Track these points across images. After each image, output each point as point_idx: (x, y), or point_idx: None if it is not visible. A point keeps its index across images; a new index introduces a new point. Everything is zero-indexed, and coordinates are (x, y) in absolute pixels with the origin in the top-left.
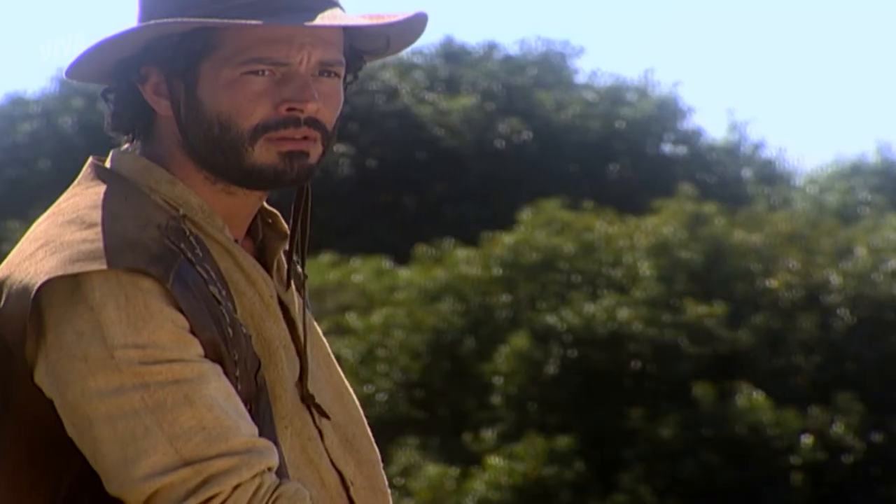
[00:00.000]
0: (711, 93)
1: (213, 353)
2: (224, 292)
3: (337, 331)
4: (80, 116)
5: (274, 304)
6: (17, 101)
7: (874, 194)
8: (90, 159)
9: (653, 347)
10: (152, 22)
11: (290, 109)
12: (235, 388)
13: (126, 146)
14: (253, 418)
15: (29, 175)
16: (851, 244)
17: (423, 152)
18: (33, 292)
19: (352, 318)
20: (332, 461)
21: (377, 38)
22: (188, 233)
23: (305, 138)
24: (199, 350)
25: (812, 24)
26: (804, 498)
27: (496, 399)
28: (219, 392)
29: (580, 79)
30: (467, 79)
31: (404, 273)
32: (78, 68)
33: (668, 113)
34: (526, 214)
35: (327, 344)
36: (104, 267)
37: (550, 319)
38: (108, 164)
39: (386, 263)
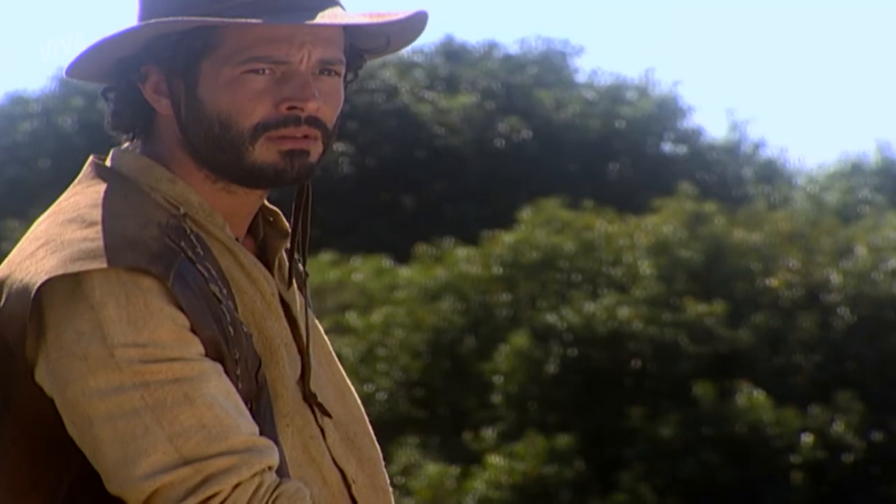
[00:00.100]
0: (712, 92)
1: (214, 352)
2: (225, 291)
3: (337, 330)
4: (80, 116)
5: (275, 302)
6: (18, 101)
7: (874, 193)
8: (91, 158)
9: (653, 346)
10: (152, 21)
11: (290, 108)
12: (236, 386)
13: (126, 145)
14: (254, 417)
15: (29, 174)
16: (851, 243)
17: (422, 151)
18: (34, 291)
19: (352, 317)
20: (333, 459)
21: (377, 36)
22: (189, 231)
23: (306, 137)
24: (200, 349)
25: (812, 24)
26: (804, 497)
27: (496, 398)
28: (219, 391)
29: (580, 78)
30: (467, 78)
31: (404, 272)
32: (78, 67)
33: (668, 112)
34: (526, 213)
35: (329, 342)
36: (104, 266)
37: (550, 318)
38: (108, 163)
39: (386, 262)
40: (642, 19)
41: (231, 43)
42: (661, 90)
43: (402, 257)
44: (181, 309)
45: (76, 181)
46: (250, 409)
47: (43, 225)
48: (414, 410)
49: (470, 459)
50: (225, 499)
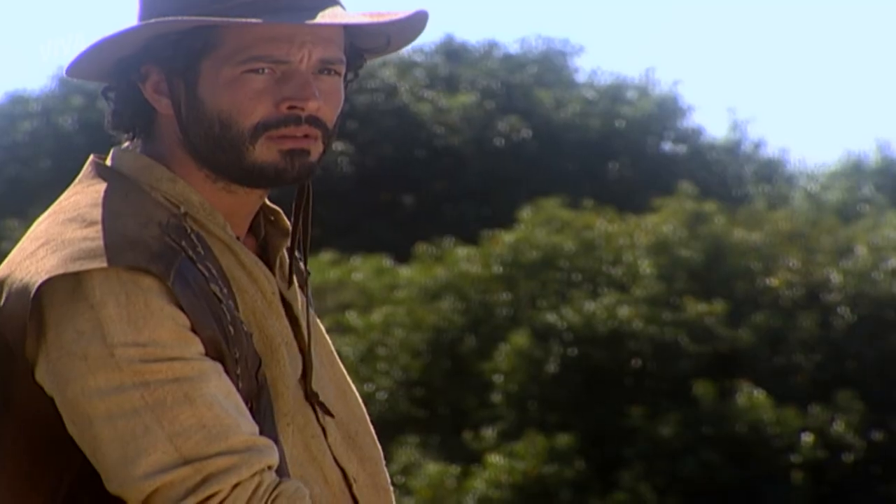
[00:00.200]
0: (712, 92)
1: (214, 351)
2: (225, 290)
3: (337, 329)
4: (80, 115)
5: (276, 301)
6: (18, 100)
7: (874, 193)
8: (91, 157)
9: (653, 346)
10: (152, 20)
11: (290, 108)
12: (236, 386)
13: (127, 145)
14: (254, 416)
15: (29, 174)
16: (852, 243)
17: (422, 150)
18: (34, 291)
19: (352, 317)
20: (335, 458)
21: (378, 36)
22: (189, 230)
23: (306, 136)
24: (200, 348)
25: (812, 24)
26: (804, 496)
27: (496, 397)
28: (219, 390)
29: (580, 77)
30: (467, 77)
31: (404, 271)
32: (78, 67)
33: (668, 112)
34: (526, 213)
35: (330, 341)
36: (105, 265)
37: (551, 318)
38: (108, 163)
39: (386, 262)
40: (642, 19)
41: (231, 42)
42: (661, 90)
43: (403, 257)
44: (181, 308)
45: (76, 180)
46: (250, 409)
47: (43, 224)
48: (414, 410)
49: (470, 459)
50: (224, 498)
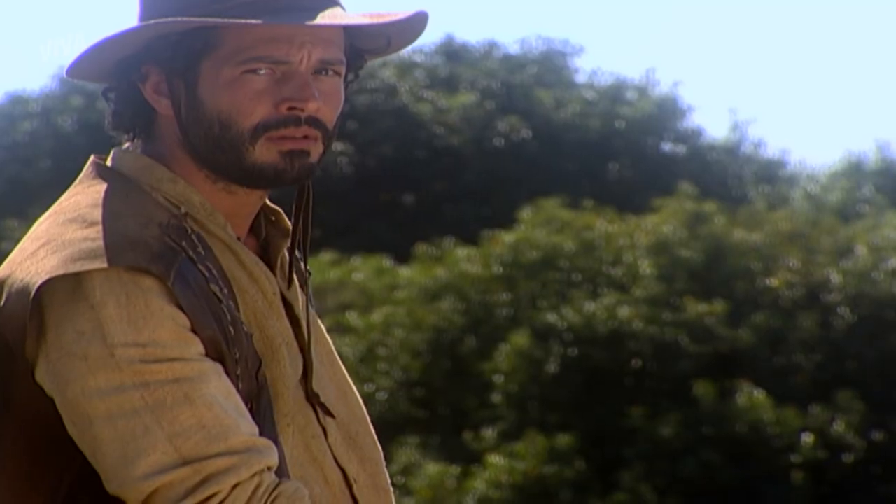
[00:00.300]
0: (712, 92)
1: (214, 352)
2: (226, 290)
3: (337, 329)
4: (80, 115)
5: (277, 301)
6: (18, 100)
7: (874, 193)
8: (91, 158)
9: (653, 346)
10: (152, 21)
11: (290, 108)
12: (236, 386)
13: (127, 145)
14: (254, 417)
15: (29, 174)
16: (852, 243)
17: (422, 151)
18: (34, 291)
19: (352, 317)
20: (335, 459)
21: (378, 36)
22: (190, 231)
23: (306, 137)
24: (200, 348)
25: (812, 25)
26: (804, 496)
27: (496, 398)
28: (219, 391)
29: (580, 78)
30: (467, 77)
31: (404, 272)
32: (79, 67)
33: (667, 112)
34: (526, 213)
35: (331, 341)
36: (105, 265)
37: (551, 318)
38: (109, 163)
39: (386, 262)
40: (643, 19)
41: (231, 43)
42: (661, 90)
43: (403, 257)
44: (181, 308)
45: (77, 181)
46: (251, 409)
47: (44, 225)
48: (414, 410)
49: (470, 459)
50: (224, 499)
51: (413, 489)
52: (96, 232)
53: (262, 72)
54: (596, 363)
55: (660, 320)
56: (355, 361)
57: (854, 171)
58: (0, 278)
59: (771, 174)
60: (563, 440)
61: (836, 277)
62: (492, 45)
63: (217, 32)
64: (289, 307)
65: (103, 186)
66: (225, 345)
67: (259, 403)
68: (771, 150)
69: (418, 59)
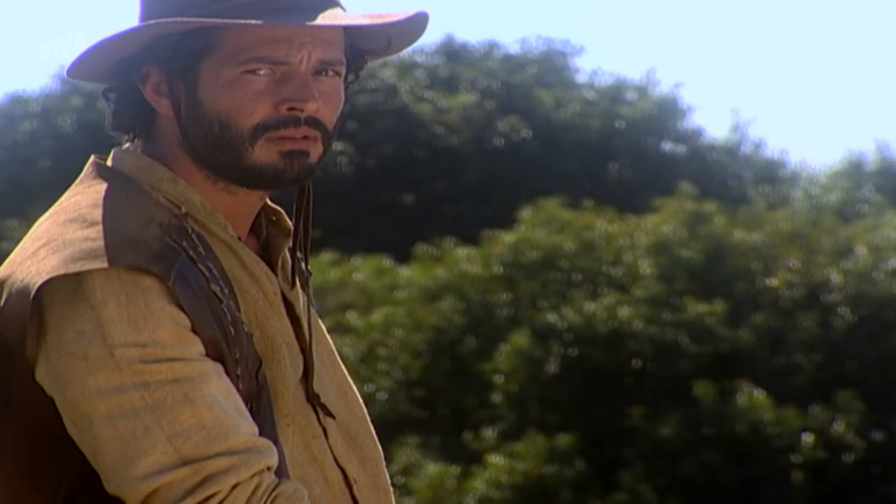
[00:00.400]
0: (712, 93)
1: (215, 352)
2: (226, 290)
3: (338, 329)
4: (80, 115)
5: (278, 301)
6: (18, 100)
7: (874, 193)
8: (92, 158)
9: (653, 346)
10: (152, 21)
11: (290, 109)
12: (236, 386)
13: (127, 145)
14: (254, 417)
15: (29, 174)
16: (852, 243)
17: (422, 151)
18: (34, 291)
19: (352, 317)
20: (335, 459)
21: (378, 37)
22: (190, 231)
23: (305, 138)
24: (200, 348)
25: (812, 25)
26: (804, 496)
27: (497, 398)
28: (219, 391)
29: (581, 78)
30: (467, 77)
31: (405, 272)
32: (79, 67)
33: (668, 112)
34: (526, 213)
35: (331, 341)
36: (105, 265)
37: (551, 318)
38: (109, 163)
39: (386, 262)
40: (643, 20)
41: (231, 43)
42: (661, 90)
43: (403, 257)
44: (182, 308)
45: (77, 181)
46: (251, 409)
47: (44, 225)
48: (414, 410)
49: (470, 459)
50: (223, 499)
51: (413, 489)
52: (97, 232)
53: (262, 72)
54: (596, 363)
55: (660, 320)
56: (355, 361)
57: (854, 171)
58: (0, 278)
59: (771, 174)
60: (564, 440)
61: (836, 277)
62: (492, 45)
63: (217, 33)
64: (290, 307)
65: (103, 186)
66: (225, 345)
67: (259, 403)
68: (771, 151)
69: (418, 59)
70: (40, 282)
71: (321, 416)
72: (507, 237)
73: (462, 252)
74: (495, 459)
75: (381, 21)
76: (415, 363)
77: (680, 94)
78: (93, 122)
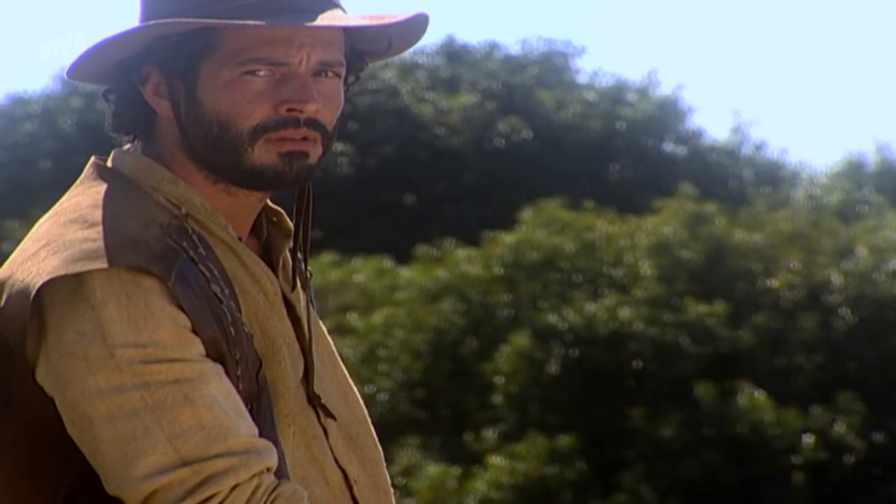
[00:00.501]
0: (713, 93)
1: (215, 352)
2: (227, 291)
3: (338, 330)
4: (81, 116)
5: (278, 301)
6: (18, 101)
7: (874, 194)
8: (92, 159)
9: (654, 347)
10: (152, 22)
11: (289, 110)
12: (237, 387)
13: (127, 146)
14: (254, 417)
15: (29, 175)
16: (852, 244)
17: (423, 151)
18: (34, 292)
19: (353, 318)
20: (336, 460)
21: (379, 38)
22: (191, 231)
23: (305, 139)
24: (201, 349)
25: (812, 26)
26: (805, 497)
27: (497, 399)
28: (219, 392)
29: (581, 79)
30: (468, 78)
31: (405, 273)
32: (79, 68)
33: (668, 113)
34: (526, 214)
35: (332, 342)
36: (106, 266)
37: (551, 319)
38: (109, 164)
39: (387, 263)
40: (644, 21)
41: (230, 44)
42: (662, 92)
43: (403, 258)
44: (182, 309)
45: (78, 182)
46: (251, 410)
47: (45, 226)
48: (415, 411)
49: (471, 460)
50: (223, 500)
51: (414, 490)
52: (97, 232)
53: (262, 73)
54: (597, 364)
55: (660, 321)
56: (356, 362)
57: (854, 172)
58: (1, 279)
59: (771, 175)
60: (564, 441)
61: (836, 278)
62: (493, 46)
63: (217, 34)
64: (290, 308)
65: (104, 187)
66: (225, 345)
67: (259, 404)
68: (771, 152)
69: (419, 60)
70: (41, 282)
71: (322, 416)
72: (508, 238)
73: (463, 253)
74: (496, 460)
75: (380, 22)
76: (415, 364)
77: (681, 95)
78: (93, 123)
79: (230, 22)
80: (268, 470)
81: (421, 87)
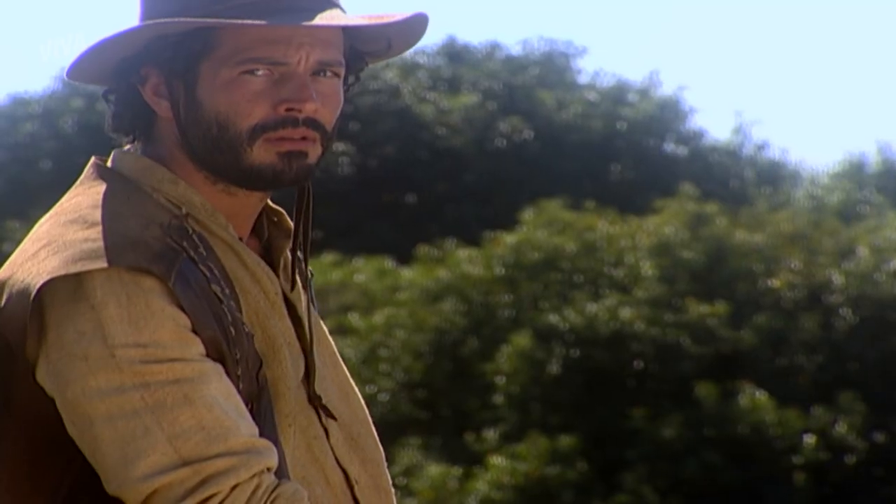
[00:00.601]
0: (714, 94)
1: (215, 352)
2: (227, 290)
3: (339, 331)
4: (81, 117)
5: (279, 301)
6: (19, 102)
7: (875, 194)
8: (92, 159)
9: (655, 347)
10: (151, 22)
11: (288, 109)
12: (237, 386)
13: (127, 147)
14: (254, 417)
15: (30, 175)
16: (853, 244)
17: (424, 152)
18: (34, 292)
19: (354, 318)
20: (337, 460)
21: (378, 39)
22: (191, 231)
23: (304, 138)
24: (201, 349)
25: (812, 27)
26: (806, 498)
27: (498, 399)
28: (219, 392)
29: (583, 79)
30: (469, 78)
31: (406, 273)
32: (79, 69)
33: (670, 114)
34: (527, 214)
35: (333, 342)
36: (106, 265)
37: (552, 319)
38: (109, 165)
39: (388, 263)
40: (646, 22)
41: (229, 44)
42: (663, 92)
43: (404, 258)
44: (182, 309)
45: (78, 182)
46: (251, 410)
47: (45, 226)
48: (416, 411)
49: (472, 460)
50: (223, 500)
51: (415, 490)
52: (97, 232)
53: (260, 73)
54: (598, 364)
55: (661, 321)
56: (357, 363)
57: (855, 172)
58: (1, 279)
59: (772, 175)
60: (565, 441)
61: (837, 278)
62: (494, 47)
63: (216, 33)
64: (291, 308)
65: (104, 187)
66: (226, 345)
67: (259, 404)
68: (772, 152)
69: (421, 60)
70: (41, 282)
71: (323, 417)
72: (509, 238)
73: (464, 253)
74: (497, 461)
75: (379, 22)
76: (416, 364)
77: (682, 96)
78: (94, 124)
79: (229, 21)
80: (268, 470)
81: (422, 88)
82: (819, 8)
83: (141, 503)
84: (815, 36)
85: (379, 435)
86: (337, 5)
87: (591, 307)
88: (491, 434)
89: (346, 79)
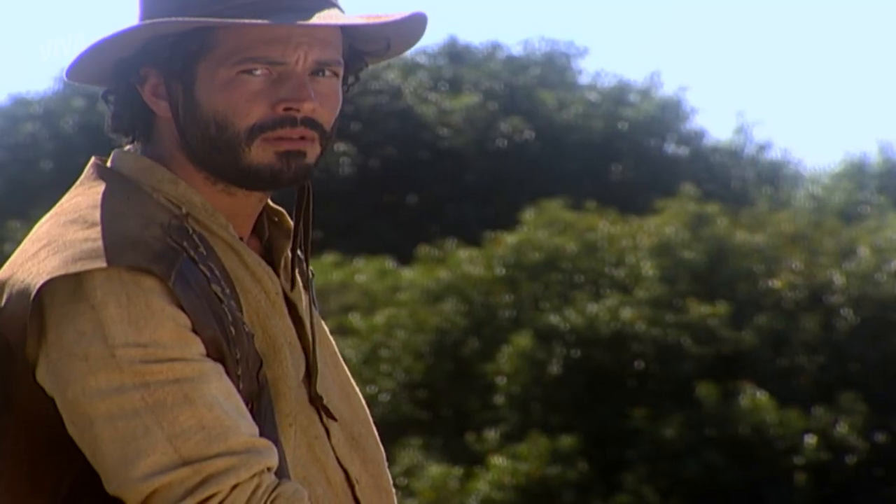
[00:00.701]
0: (714, 94)
1: (215, 352)
2: (228, 290)
3: (340, 331)
4: (81, 117)
5: (280, 301)
6: (20, 102)
7: (877, 195)
8: (92, 159)
9: (656, 347)
10: (149, 21)
11: (286, 109)
12: (237, 386)
13: (127, 147)
14: (254, 417)
15: (30, 175)
16: (854, 244)
17: (425, 152)
18: (34, 292)
19: (355, 319)
20: (338, 460)
21: (377, 39)
22: (191, 231)
23: (302, 138)
24: (201, 349)
25: (813, 27)
26: (807, 498)
27: (499, 399)
28: (219, 391)
29: (584, 79)
30: (470, 79)
31: (407, 273)
32: (78, 69)
33: (671, 114)
34: (528, 214)
35: (334, 343)
36: (106, 265)
37: (553, 319)
38: (109, 165)
39: (389, 263)
40: (647, 22)
41: (228, 44)
42: (664, 93)
43: (405, 258)
44: (182, 309)
45: (78, 182)
46: (251, 409)
47: (45, 226)
48: (417, 412)
49: (473, 460)
50: (223, 499)
51: (416, 490)
52: (97, 232)
53: (258, 72)
54: (598, 364)
55: (662, 322)
56: (358, 363)
57: (857, 172)
58: (1, 279)
59: (773, 176)
60: (566, 441)
61: (838, 279)
62: (495, 47)
63: (214, 33)
64: (292, 308)
65: (104, 188)
66: (226, 345)
67: (260, 404)
68: (773, 152)
69: (422, 60)
70: (41, 282)
71: (324, 417)
72: (510, 238)
73: (464, 253)
74: (498, 461)
75: (377, 21)
76: (417, 365)
77: (683, 96)
78: (94, 124)
79: (227, 21)
80: (268, 469)
81: (423, 88)
82: (819, 8)
83: (141, 503)
84: (815, 36)
85: (380, 435)
86: (335, 5)
87: (592, 307)
88: (492, 434)
89: (345, 79)
